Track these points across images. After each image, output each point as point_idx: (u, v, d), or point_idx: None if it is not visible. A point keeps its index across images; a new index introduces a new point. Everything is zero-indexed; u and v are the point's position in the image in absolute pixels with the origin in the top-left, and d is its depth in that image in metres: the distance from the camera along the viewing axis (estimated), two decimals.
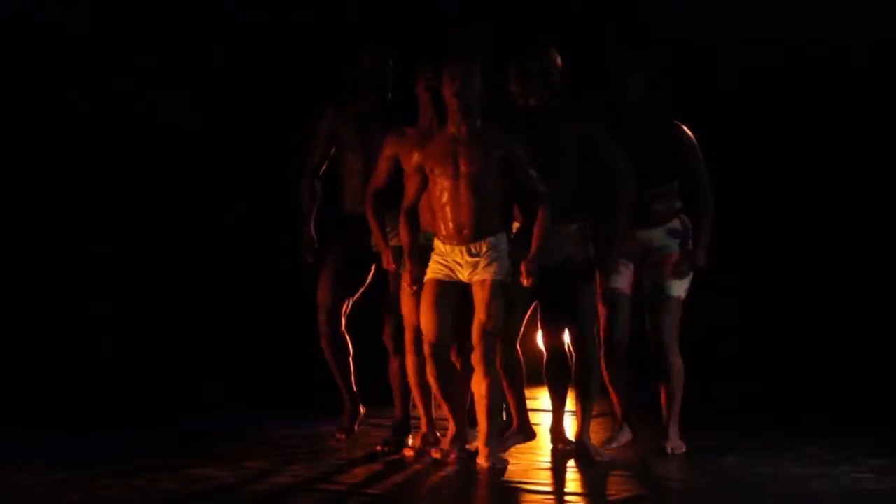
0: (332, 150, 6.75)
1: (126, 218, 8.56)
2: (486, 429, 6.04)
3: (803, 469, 5.93)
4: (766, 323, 8.56)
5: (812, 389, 8.12)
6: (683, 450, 6.38)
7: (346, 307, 6.75)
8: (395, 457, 6.39)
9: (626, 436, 6.54)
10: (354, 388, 6.81)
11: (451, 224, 6.06)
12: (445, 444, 6.24)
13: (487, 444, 6.04)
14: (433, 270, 6.12)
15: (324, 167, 6.80)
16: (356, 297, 6.77)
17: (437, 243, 6.14)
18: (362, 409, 6.83)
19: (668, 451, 6.36)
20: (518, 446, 6.44)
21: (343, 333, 6.75)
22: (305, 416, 7.49)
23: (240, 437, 7.05)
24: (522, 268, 6.00)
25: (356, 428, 6.72)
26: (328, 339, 6.72)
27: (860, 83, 8.50)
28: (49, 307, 8.35)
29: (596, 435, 6.56)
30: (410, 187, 6.21)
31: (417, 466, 6.16)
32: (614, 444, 6.48)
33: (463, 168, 6.04)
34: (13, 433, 7.11)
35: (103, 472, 5.99)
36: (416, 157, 6.15)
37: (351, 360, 6.79)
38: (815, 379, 8.21)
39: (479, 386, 6.05)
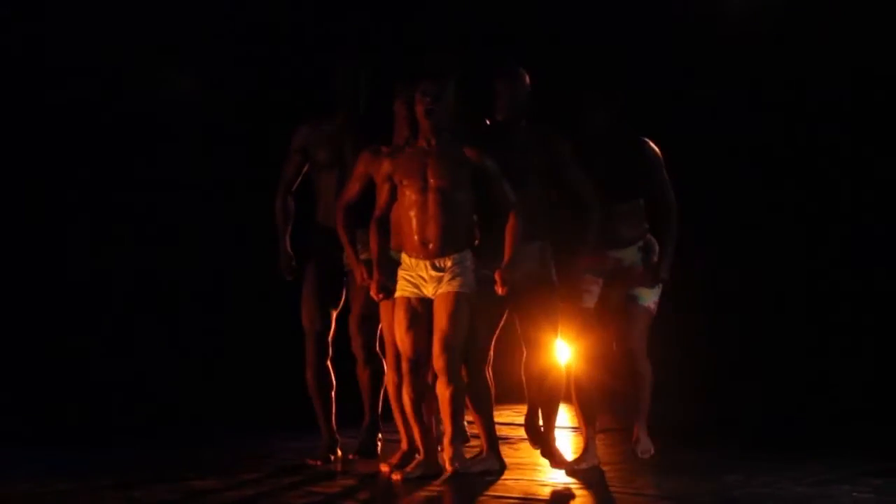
0: (306, 168, 6.77)
1: (120, 227, 8.55)
2: (450, 430, 6.07)
3: (805, 488, 5.90)
4: (766, 337, 8.56)
5: (811, 407, 8.11)
6: (652, 452, 6.41)
7: (331, 328, 6.73)
8: (366, 465, 6.44)
9: (592, 457, 6.47)
10: (334, 426, 6.77)
11: (416, 237, 6.10)
12: (410, 467, 6.21)
13: (452, 443, 6.07)
14: (401, 288, 6.15)
15: (296, 184, 6.81)
16: (336, 314, 6.76)
17: (403, 257, 6.18)
18: (339, 452, 6.76)
19: (639, 454, 6.40)
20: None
21: (328, 366, 6.74)
22: (303, 428, 7.46)
23: (238, 449, 7.06)
24: (497, 277, 6.02)
25: (332, 458, 6.69)
26: (314, 370, 6.71)
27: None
28: (47, 317, 8.33)
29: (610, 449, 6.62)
30: (381, 197, 6.24)
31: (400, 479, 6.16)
32: (584, 465, 6.40)
33: (432, 181, 6.09)
34: (12, 444, 7.10)
35: (102, 483, 6.01)
36: (385, 168, 6.18)
37: (333, 394, 6.77)
38: (814, 396, 8.21)
39: (443, 392, 6.08)
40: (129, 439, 7.39)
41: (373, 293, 6.24)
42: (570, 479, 6.19)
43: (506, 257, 6.09)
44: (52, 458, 6.73)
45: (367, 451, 6.62)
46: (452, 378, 6.05)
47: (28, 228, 8.35)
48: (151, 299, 8.60)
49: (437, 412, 6.26)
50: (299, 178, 6.80)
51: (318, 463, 6.61)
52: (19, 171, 8.34)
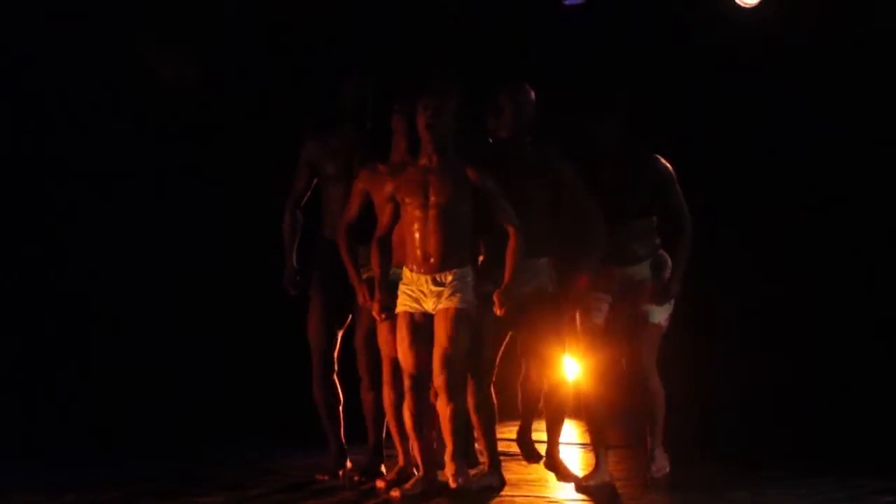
0: (315, 181, 6.78)
1: (119, 237, 8.56)
2: (451, 447, 6.04)
3: None
4: (776, 356, 8.52)
5: (821, 425, 8.08)
6: (667, 470, 6.36)
7: (336, 344, 6.73)
8: (370, 485, 6.39)
9: (603, 474, 6.42)
10: (342, 438, 6.77)
11: (418, 252, 6.10)
12: (410, 485, 6.17)
13: (454, 460, 6.03)
14: (402, 303, 6.14)
15: (306, 198, 6.82)
16: (342, 330, 6.76)
17: (404, 271, 6.17)
18: (349, 464, 6.76)
19: (654, 472, 6.34)
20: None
21: (335, 380, 6.74)
22: (310, 443, 7.46)
23: (245, 464, 7.04)
24: (495, 297, 6.01)
25: (340, 474, 6.69)
26: (321, 385, 6.71)
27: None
28: (57, 329, 8.34)
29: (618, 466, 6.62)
30: (383, 218, 6.24)
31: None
32: (593, 482, 6.35)
33: (433, 198, 6.08)
34: (21, 456, 7.11)
35: (110, 496, 6.02)
36: (388, 188, 6.19)
37: (341, 408, 6.77)
38: (824, 415, 8.17)
39: (443, 410, 6.05)
40: (133, 454, 7.38)
41: (374, 313, 6.24)
42: (576, 496, 6.17)
43: (505, 278, 6.06)
44: (54, 471, 6.73)
45: (372, 472, 6.59)
46: (453, 395, 6.02)
47: (26, 234, 8.36)
48: (154, 311, 8.59)
49: (438, 429, 6.20)
50: (309, 192, 6.81)
51: (327, 477, 6.61)
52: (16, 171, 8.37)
